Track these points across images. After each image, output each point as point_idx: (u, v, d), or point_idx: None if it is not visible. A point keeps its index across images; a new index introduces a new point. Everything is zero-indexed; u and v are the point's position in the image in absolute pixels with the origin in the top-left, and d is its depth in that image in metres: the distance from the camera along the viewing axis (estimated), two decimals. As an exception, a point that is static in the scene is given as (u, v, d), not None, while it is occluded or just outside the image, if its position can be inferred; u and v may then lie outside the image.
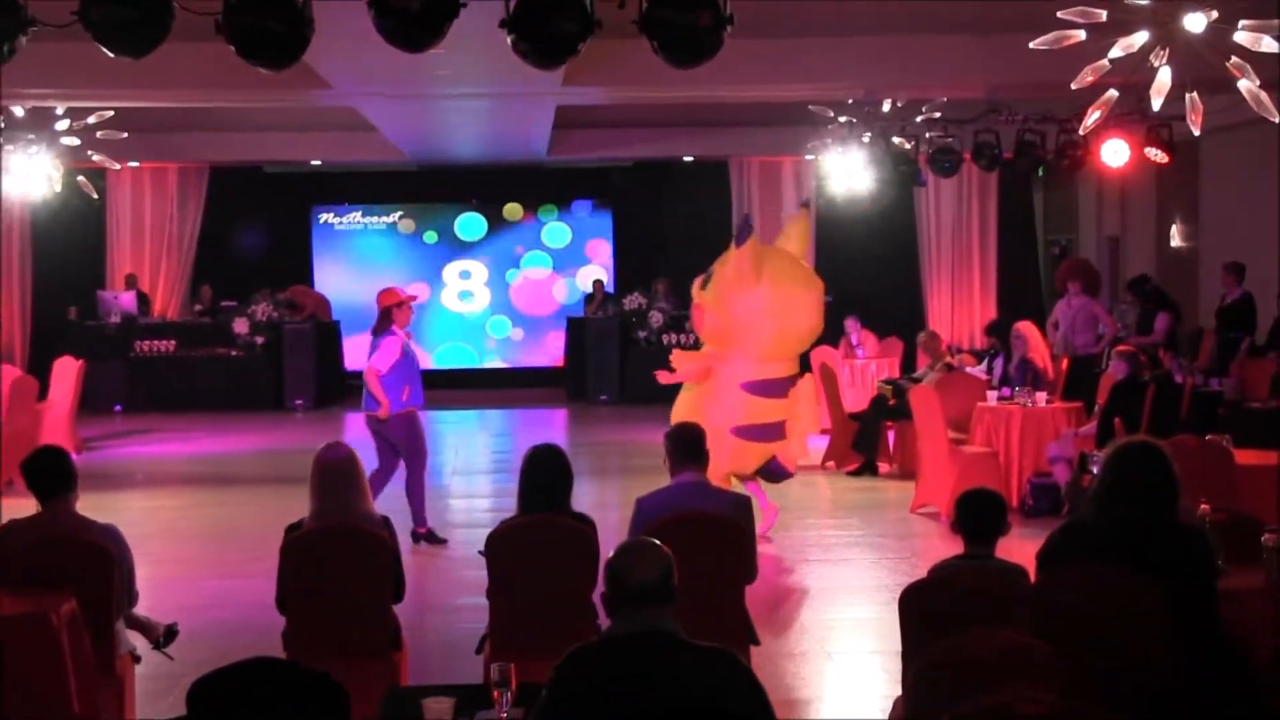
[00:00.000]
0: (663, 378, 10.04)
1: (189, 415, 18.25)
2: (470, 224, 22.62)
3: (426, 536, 9.72)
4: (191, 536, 10.57)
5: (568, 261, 22.67)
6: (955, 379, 12.77)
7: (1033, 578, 4.94)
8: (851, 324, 16.97)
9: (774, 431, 9.90)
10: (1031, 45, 8.47)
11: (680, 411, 9.88)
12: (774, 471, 10.11)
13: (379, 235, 22.57)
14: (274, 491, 12.37)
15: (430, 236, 22.59)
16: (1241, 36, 8.07)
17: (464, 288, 22.59)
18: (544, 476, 5.82)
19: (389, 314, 9.64)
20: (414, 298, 9.88)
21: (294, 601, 5.62)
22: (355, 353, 21.86)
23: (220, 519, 11.22)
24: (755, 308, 9.65)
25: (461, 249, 22.59)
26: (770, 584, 8.38)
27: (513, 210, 22.50)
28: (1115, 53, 8.25)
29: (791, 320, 9.80)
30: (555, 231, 22.66)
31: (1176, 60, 8.30)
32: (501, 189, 22.50)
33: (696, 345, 10.56)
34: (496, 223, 22.66)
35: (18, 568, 5.47)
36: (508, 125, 17.58)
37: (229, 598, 8.49)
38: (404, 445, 9.70)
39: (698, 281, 10.04)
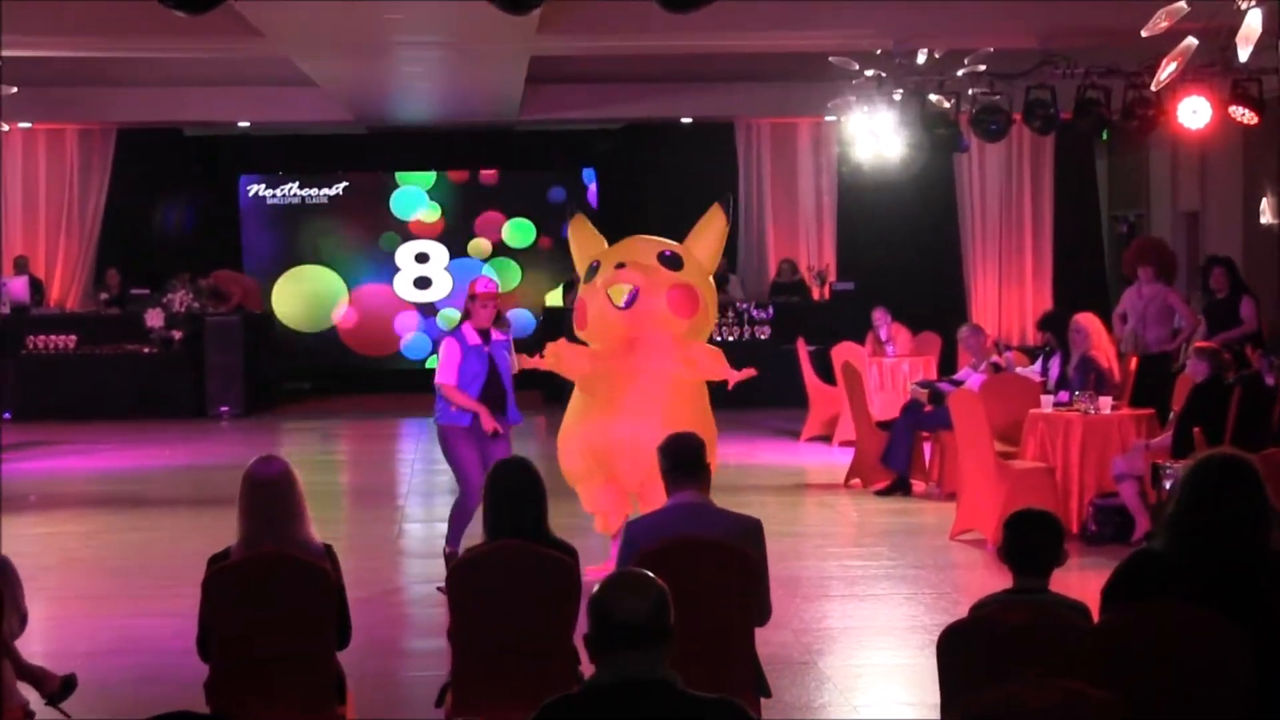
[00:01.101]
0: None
1: (92, 425, 18.22)
2: (408, 199, 22.62)
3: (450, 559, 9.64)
4: (96, 568, 10.55)
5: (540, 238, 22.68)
6: (1003, 381, 12.77)
7: (1095, 617, 4.94)
8: (880, 316, 16.98)
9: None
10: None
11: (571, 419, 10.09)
12: None
13: (319, 210, 22.56)
14: (195, 515, 12.34)
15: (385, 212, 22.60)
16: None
17: (420, 273, 22.60)
18: (513, 497, 5.82)
19: (466, 311, 9.57)
20: (490, 290, 9.62)
21: (219, 645, 5.60)
22: (295, 348, 21.85)
23: (130, 547, 11.20)
24: (710, 291, 10.02)
25: (419, 226, 22.59)
26: (785, 624, 8.38)
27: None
28: (1194, -7, 8.26)
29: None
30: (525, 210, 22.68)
31: (1267, 1, 8.31)
32: (465, 155, 22.50)
33: None
34: (455, 195, 22.66)
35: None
36: (472, 80, 17.58)
37: (140, 641, 8.47)
38: (446, 458, 9.71)
39: (649, 267, 9.81)
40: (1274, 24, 8.42)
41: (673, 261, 9.69)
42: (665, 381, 9.54)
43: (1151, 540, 5.27)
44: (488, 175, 22.73)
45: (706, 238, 9.92)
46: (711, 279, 9.96)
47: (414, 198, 22.65)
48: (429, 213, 22.69)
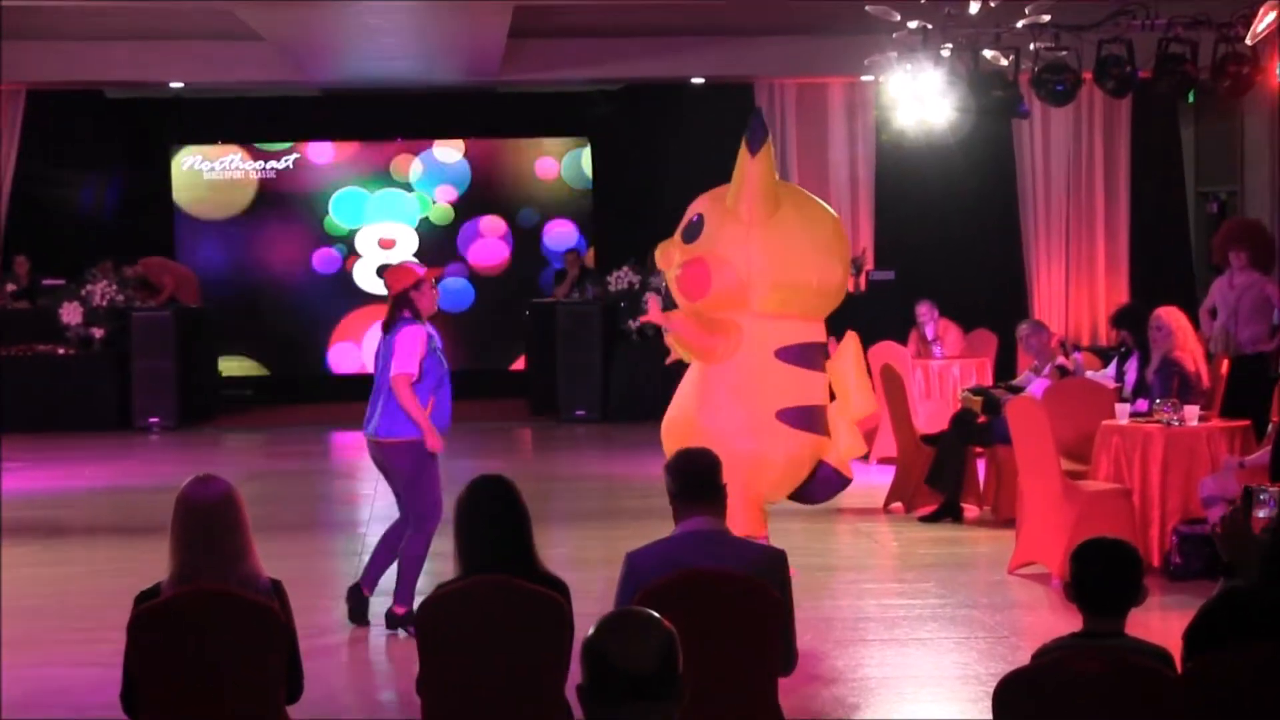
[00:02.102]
0: (670, 330, 9.95)
1: (-1, 438, 18.24)
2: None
3: (405, 621, 9.53)
4: (4, 608, 10.55)
5: (526, 221, 22.72)
6: (1071, 387, 12.77)
7: (1179, 664, 4.94)
8: (925, 311, 16.98)
9: (819, 418, 9.97)
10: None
11: (686, 404, 9.92)
12: (825, 483, 10.14)
13: (266, 187, 22.58)
14: (119, 545, 12.34)
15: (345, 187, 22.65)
16: None
17: (386, 259, 22.61)
18: (491, 522, 5.82)
19: (406, 300, 9.58)
20: (438, 272, 9.79)
21: (147, 700, 5.61)
22: (237, 349, 21.90)
23: (42, 584, 11.19)
24: (780, 243, 9.71)
25: (383, 207, 22.64)
26: (814, 673, 8.38)
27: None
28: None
29: (828, 263, 9.92)
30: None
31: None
32: (437, 122, 22.52)
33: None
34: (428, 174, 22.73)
35: None
36: (445, 34, 17.60)
37: (53, 695, 8.45)
38: (404, 486, 9.63)
39: (666, 244, 9.95)
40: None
41: (691, 230, 9.76)
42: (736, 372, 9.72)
43: (1237, 575, 5.28)
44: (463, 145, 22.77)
45: (738, 189, 9.82)
46: (791, 222, 9.78)
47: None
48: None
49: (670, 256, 9.90)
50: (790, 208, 9.84)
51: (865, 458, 15.99)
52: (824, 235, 9.94)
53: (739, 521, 8.91)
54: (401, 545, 9.59)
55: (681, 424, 10.01)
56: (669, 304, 10.37)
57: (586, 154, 22.84)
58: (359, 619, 9.67)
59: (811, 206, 10.02)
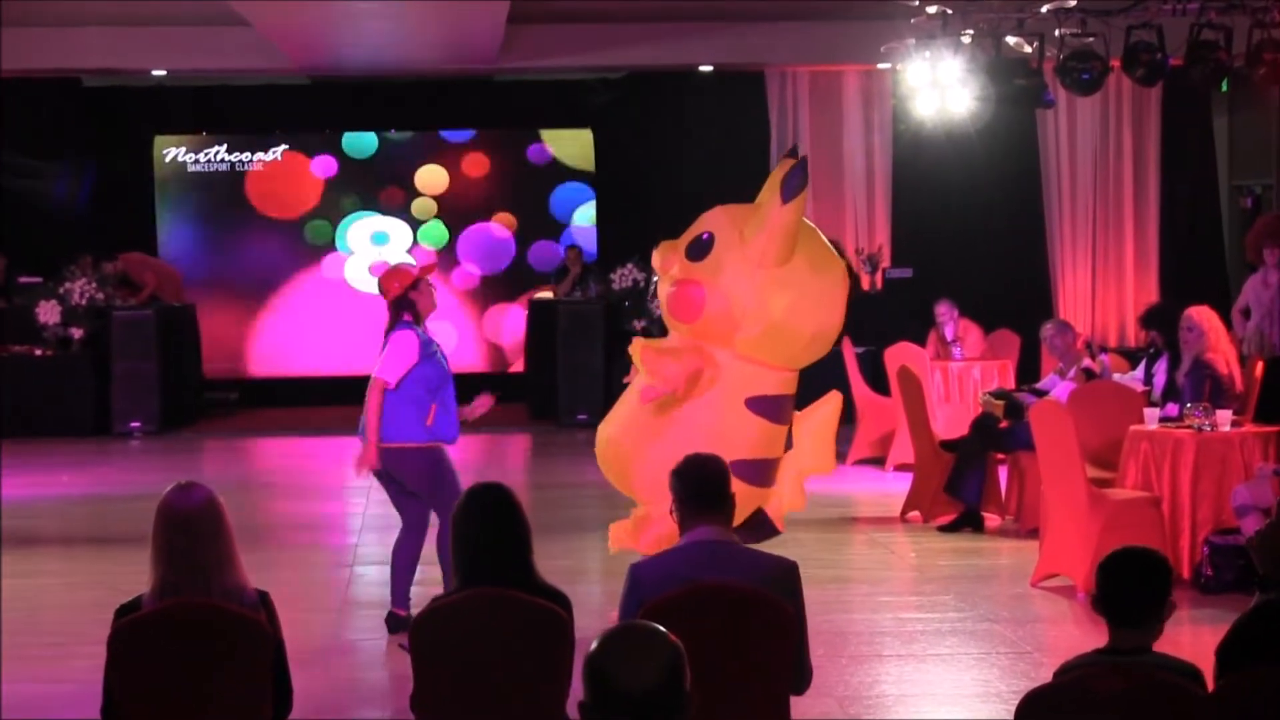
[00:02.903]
0: (639, 375, 9.97)
1: (-28, 444, 18.25)
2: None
3: (405, 623, 9.65)
4: (-24, 622, 10.57)
5: (528, 218, 22.74)
6: (1097, 390, 12.77)
7: (1210, 682, 4.94)
8: (944, 311, 16.99)
9: (769, 472, 9.93)
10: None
11: (634, 429, 9.86)
12: (758, 526, 10.10)
13: (253, 180, 22.59)
14: (97, 556, 12.35)
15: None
16: None
17: (379, 255, 22.63)
18: (489, 532, 5.83)
19: (406, 303, 9.63)
20: (432, 267, 9.87)
21: (129, 715, 5.61)
22: (222, 350, 21.91)
23: (15, 597, 11.18)
24: (784, 291, 9.62)
25: (373, 202, 22.66)
26: (828, 690, 8.39)
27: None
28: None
29: (827, 315, 9.83)
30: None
31: None
32: (432, 111, 22.53)
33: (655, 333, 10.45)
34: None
35: None
36: (440, 19, 17.60)
37: (30, 710, 8.45)
38: (425, 493, 9.71)
39: (668, 247, 9.93)
40: None
41: (698, 248, 9.67)
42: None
43: (1272, 588, 5.28)
44: (458, 136, 22.78)
45: (758, 230, 9.64)
46: (802, 271, 9.71)
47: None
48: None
49: (669, 265, 9.79)
50: (801, 258, 9.68)
51: (881, 462, 16.10)
52: (828, 286, 9.77)
53: (658, 540, 9.01)
54: (439, 542, 9.65)
55: (627, 449, 9.92)
56: (642, 313, 10.30)
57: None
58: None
59: (822, 253, 9.86)
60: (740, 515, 9.78)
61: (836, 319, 9.91)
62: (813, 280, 9.63)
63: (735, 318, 9.54)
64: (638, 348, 9.78)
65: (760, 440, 9.76)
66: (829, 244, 10.13)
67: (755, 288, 9.50)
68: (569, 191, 22.75)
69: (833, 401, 10.24)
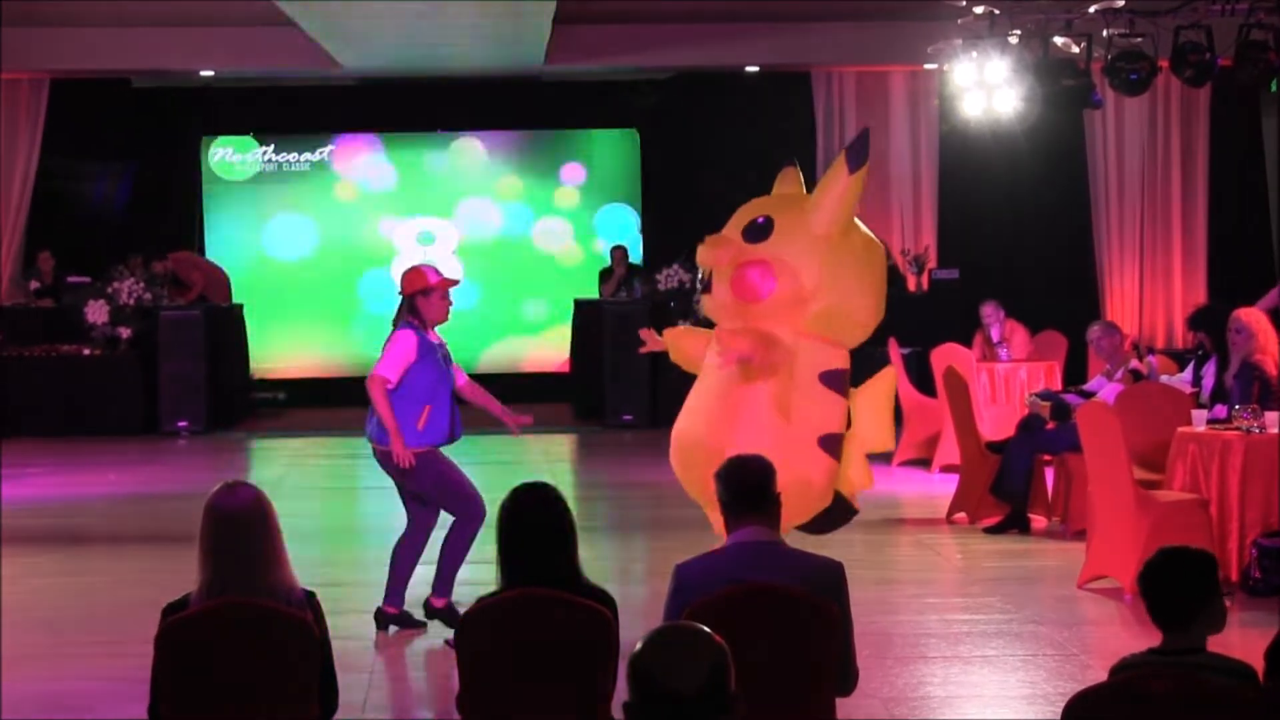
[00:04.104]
0: (726, 359, 9.89)
1: (19, 443, 18.33)
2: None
3: (445, 613, 9.68)
4: (22, 620, 10.59)
5: (573, 218, 22.76)
6: (1145, 392, 12.72)
7: (1262, 681, 4.92)
8: (990, 312, 16.94)
9: (840, 446, 9.91)
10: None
11: (710, 421, 9.81)
12: (841, 511, 10.05)
13: (300, 180, 22.66)
14: (145, 555, 12.38)
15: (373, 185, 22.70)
16: None
17: (426, 256, 22.67)
18: (533, 533, 5.83)
19: (411, 305, 9.68)
20: (452, 282, 9.90)
21: (176, 713, 5.63)
22: (271, 348, 21.97)
23: (65, 595, 11.26)
24: (844, 267, 9.65)
25: (423, 201, 22.71)
26: (873, 692, 8.37)
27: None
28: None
29: (875, 301, 9.86)
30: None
31: None
32: (478, 112, 22.57)
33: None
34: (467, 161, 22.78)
35: None
36: (487, 19, 17.62)
37: (77, 710, 8.48)
38: (427, 494, 9.75)
39: (715, 240, 9.88)
40: None
41: (756, 231, 9.66)
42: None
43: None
44: (506, 136, 22.82)
45: (821, 198, 9.75)
46: (858, 246, 9.75)
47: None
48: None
49: (721, 254, 9.79)
50: (857, 237, 9.78)
51: (927, 464, 16.07)
52: (876, 277, 9.88)
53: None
54: (446, 537, 9.76)
55: (707, 443, 9.86)
56: (685, 312, 10.31)
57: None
58: (450, 621, 9.64)
59: (872, 244, 9.97)
60: (830, 493, 9.83)
61: (881, 305, 9.95)
62: (866, 262, 9.70)
63: (806, 291, 9.55)
64: (673, 334, 9.87)
65: (836, 413, 9.77)
66: (873, 236, 10.19)
67: (821, 260, 9.53)
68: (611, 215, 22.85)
69: (887, 377, 10.20)
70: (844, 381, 9.89)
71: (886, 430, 10.13)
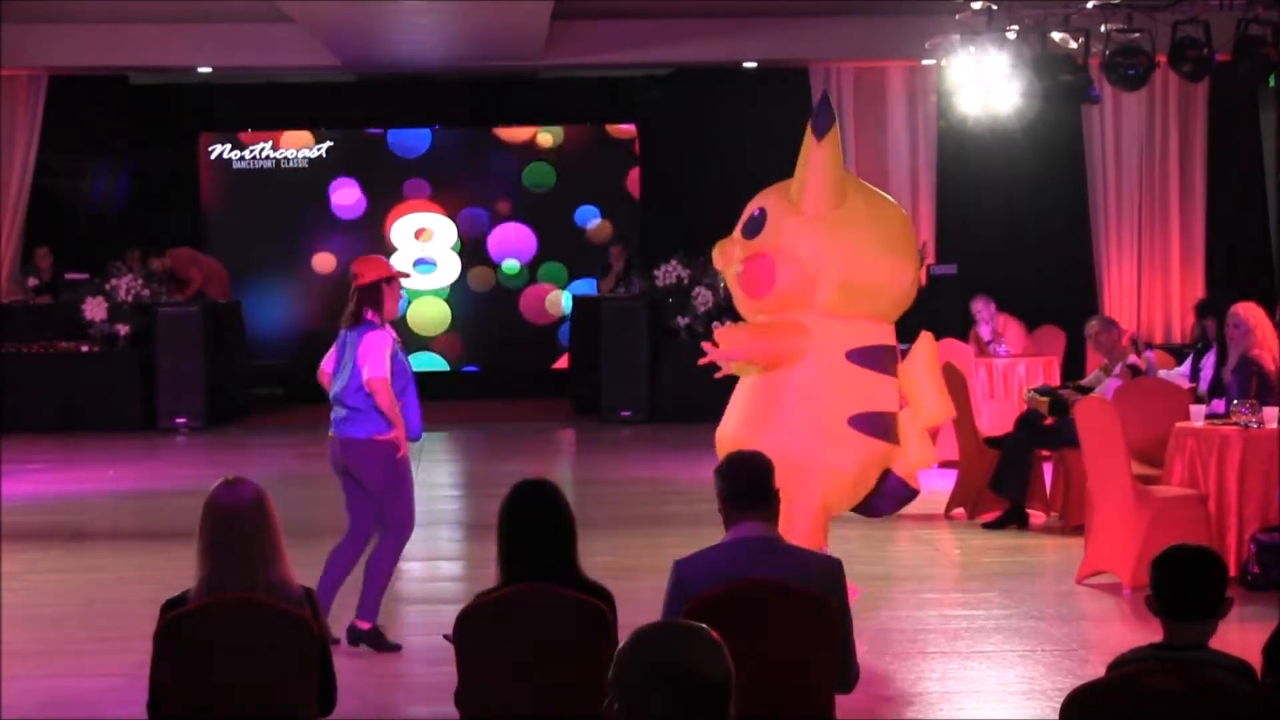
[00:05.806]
0: (726, 360, 9.85)
1: (18, 440, 18.32)
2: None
3: (369, 637, 9.54)
4: (21, 617, 10.59)
5: (568, 212, 22.77)
6: (1143, 387, 12.72)
7: (1260, 678, 4.92)
8: (980, 307, 16.85)
9: (889, 426, 9.80)
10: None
11: (748, 416, 9.76)
12: (891, 494, 10.01)
13: (297, 175, 22.65)
14: (144, 551, 12.39)
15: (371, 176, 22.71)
16: None
17: (422, 252, 22.68)
18: (533, 528, 5.83)
19: (375, 293, 9.58)
20: (403, 275, 9.84)
21: (174, 711, 5.63)
22: (270, 342, 21.97)
23: (65, 592, 11.25)
24: (847, 239, 9.58)
25: (418, 193, 22.72)
26: (872, 688, 8.37)
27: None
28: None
29: (899, 263, 9.78)
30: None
31: None
32: (475, 108, 22.57)
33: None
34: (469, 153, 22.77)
35: None
36: (484, 15, 17.61)
37: (77, 706, 8.48)
38: (379, 491, 9.66)
39: (724, 243, 9.88)
40: None
41: (753, 225, 9.65)
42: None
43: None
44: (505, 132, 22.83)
45: (802, 176, 9.64)
46: (860, 213, 9.68)
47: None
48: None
49: (730, 254, 9.77)
50: (858, 200, 9.67)
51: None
52: (893, 233, 9.74)
53: (802, 534, 8.82)
54: (371, 555, 9.54)
55: (743, 439, 9.79)
56: (726, 310, 10.29)
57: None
58: (383, 644, 9.56)
59: (879, 201, 9.86)
60: (874, 478, 9.78)
61: (910, 268, 9.84)
62: (873, 228, 9.59)
63: (808, 276, 9.50)
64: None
65: (870, 391, 9.67)
66: (887, 197, 10.10)
67: (818, 240, 9.47)
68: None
69: (925, 343, 10.10)
70: (880, 357, 9.73)
71: (939, 399, 9.96)
